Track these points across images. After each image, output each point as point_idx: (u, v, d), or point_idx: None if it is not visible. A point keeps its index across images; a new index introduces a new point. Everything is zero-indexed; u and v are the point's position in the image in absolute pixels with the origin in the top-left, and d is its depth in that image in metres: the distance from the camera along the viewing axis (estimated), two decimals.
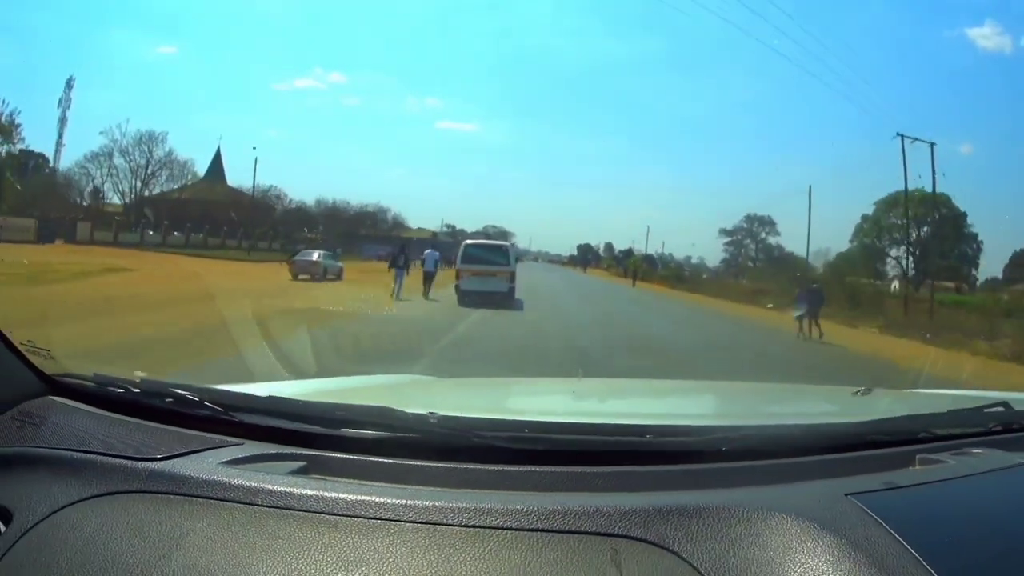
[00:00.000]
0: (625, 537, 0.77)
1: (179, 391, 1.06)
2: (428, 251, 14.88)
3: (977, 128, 49.89)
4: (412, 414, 1.01)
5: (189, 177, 41.65)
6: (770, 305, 19.30)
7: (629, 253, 69.97)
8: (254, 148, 57.18)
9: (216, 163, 46.64)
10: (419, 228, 64.84)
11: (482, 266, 14.94)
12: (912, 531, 0.78)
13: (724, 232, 62.36)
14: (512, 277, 14.91)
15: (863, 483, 0.90)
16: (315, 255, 19.80)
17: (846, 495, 0.85)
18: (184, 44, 70.81)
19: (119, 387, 1.11)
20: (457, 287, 14.24)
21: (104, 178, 40.90)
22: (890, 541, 0.76)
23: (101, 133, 38.51)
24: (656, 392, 2.01)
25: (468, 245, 15.82)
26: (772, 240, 61.20)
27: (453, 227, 65.25)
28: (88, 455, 0.92)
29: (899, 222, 47.06)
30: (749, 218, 61.84)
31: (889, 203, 48.24)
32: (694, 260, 60.11)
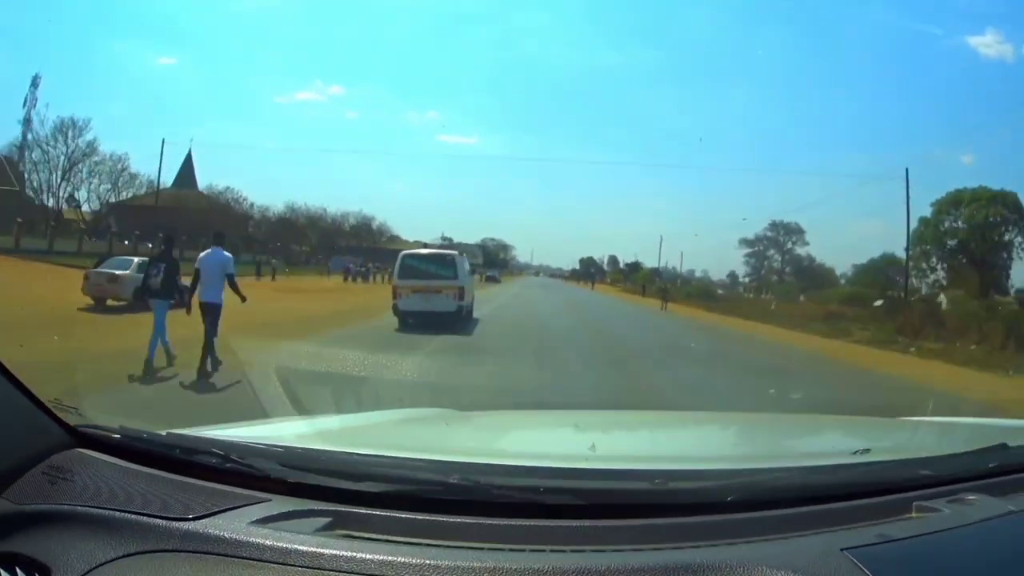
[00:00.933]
0: None
1: (204, 447, 1.14)
2: (205, 253, 7.32)
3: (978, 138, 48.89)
4: (429, 463, 1.12)
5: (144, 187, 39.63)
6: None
7: (636, 267, 68.90)
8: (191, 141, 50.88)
9: (187, 168, 44.06)
10: (414, 240, 65.01)
11: (424, 281, 12.33)
12: None
13: (745, 243, 56.31)
14: (461, 294, 12.48)
15: (858, 536, 0.98)
16: (127, 266, 13.01)
17: (842, 550, 0.91)
18: (184, 55, 69.25)
19: (145, 441, 1.19)
20: (395, 307, 11.81)
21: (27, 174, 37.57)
22: None
23: (19, 122, 37.05)
24: (660, 426, 2.11)
25: (406, 256, 13.24)
26: (800, 250, 54.13)
27: (450, 240, 63.92)
28: (123, 514, 0.99)
29: (958, 225, 39.86)
30: (775, 226, 55.00)
31: (948, 203, 39.79)
32: (698, 274, 59.70)
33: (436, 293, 11.98)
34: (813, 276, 52.82)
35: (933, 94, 56.59)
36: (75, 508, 1.03)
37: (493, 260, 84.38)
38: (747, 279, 56.24)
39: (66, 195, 37.02)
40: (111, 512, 1.00)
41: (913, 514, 1.08)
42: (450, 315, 11.79)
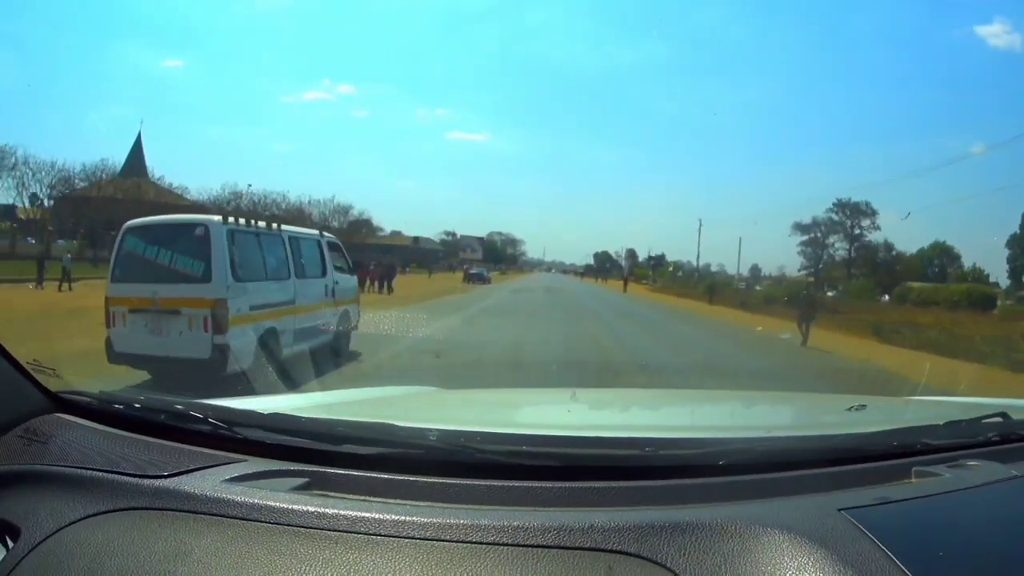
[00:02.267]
0: (620, 553, 0.86)
1: (182, 408, 1.20)
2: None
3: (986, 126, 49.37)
4: (411, 429, 1.16)
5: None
6: None
7: (661, 260, 65.27)
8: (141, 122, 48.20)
9: (136, 155, 40.15)
10: (394, 232, 61.53)
11: (150, 286, 6.05)
12: (904, 547, 0.85)
13: (798, 228, 45.88)
14: (221, 320, 5.85)
15: (857, 497, 1.00)
16: None
17: (839, 510, 0.93)
18: (190, 57, 70.29)
19: (123, 404, 1.25)
20: (107, 341, 6.10)
21: None
22: (881, 557, 0.83)
23: None
24: (654, 403, 2.18)
25: (130, 231, 6.40)
26: (871, 236, 43.85)
27: (454, 233, 66.23)
28: (94, 472, 1.04)
29: None
30: (840, 205, 43.93)
31: None
32: (713, 268, 54.93)
33: (169, 316, 5.81)
34: (889, 268, 41.82)
35: (942, 83, 56.24)
36: (46, 468, 1.08)
37: (498, 255, 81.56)
38: (803, 272, 46.23)
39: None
40: (83, 471, 1.05)
41: (912, 479, 1.13)
42: (198, 366, 5.64)
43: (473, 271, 41.84)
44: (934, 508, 0.99)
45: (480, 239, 75.87)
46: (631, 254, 72.41)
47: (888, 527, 0.88)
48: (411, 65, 77.25)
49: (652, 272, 61.85)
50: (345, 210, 56.90)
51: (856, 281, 39.47)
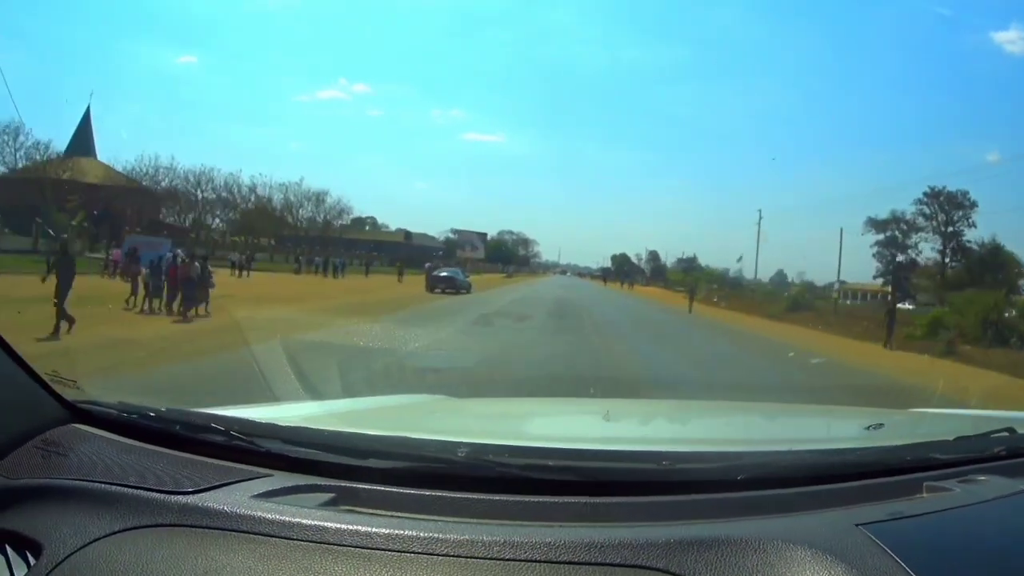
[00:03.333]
0: (649, 568, 1.02)
1: (203, 421, 1.35)
2: None
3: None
4: (437, 442, 1.35)
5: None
6: None
7: (693, 262, 67.81)
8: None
9: (83, 131, 42.80)
10: (398, 230, 70.65)
11: None
12: (920, 561, 1.01)
13: (872, 224, 44.58)
14: None
15: (872, 512, 1.19)
16: None
17: (856, 525, 1.11)
18: (204, 54, 78.98)
19: (143, 415, 1.39)
20: None
21: None
22: (898, 571, 1.00)
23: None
24: (674, 415, 2.59)
25: None
26: (970, 233, 42.72)
27: (460, 231, 72.10)
28: (118, 487, 1.17)
29: None
30: (934, 195, 42.93)
31: None
32: (732, 273, 58.16)
33: None
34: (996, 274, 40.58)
35: (955, 89, 64.59)
36: (68, 482, 1.20)
37: (507, 255, 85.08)
38: (879, 280, 45.20)
39: None
40: (106, 486, 1.18)
41: (924, 494, 1.33)
42: None
43: (442, 273, 32.38)
44: (948, 523, 1.20)
45: (481, 235, 79.63)
46: (654, 256, 76.18)
47: (905, 542, 1.06)
48: (427, 65, 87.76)
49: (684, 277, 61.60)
50: (318, 196, 59.82)
51: (967, 293, 34.59)
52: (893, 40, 67.45)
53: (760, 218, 49.96)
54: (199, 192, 48.34)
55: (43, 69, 58.52)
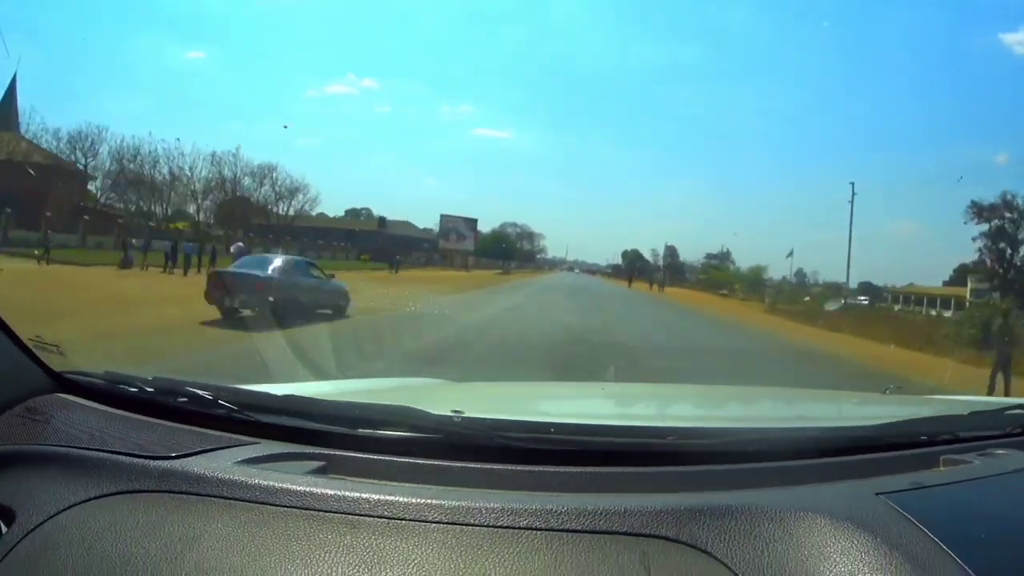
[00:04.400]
0: (657, 537, 1.12)
1: (193, 389, 1.50)
2: None
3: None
4: (434, 414, 1.46)
5: None
6: None
7: (726, 258, 71.00)
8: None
9: (7, 102, 44.65)
10: (400, 222, 75.31)
11: None
12: (944, 529, 1.14)
13: (977, 210, 42.40)
14: None
15: (891, 483, 1.33)
16: None
17: (876, 494, 1.25)
18: (213, 49, 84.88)
19: (131, 385, 1.55)
20: None
21: None
22: (923, 539, 1.12)
23: None
24: (681, 396, 2.96)
25: None
26: None
27: (445, 216, 76.30)
28: (98, 453, 1.30)
29: None
30: None
31: None
32: (772, 274, 59.55)
33: None
34: None
35: (965, 92, 74.89)
36: (47, 448, 1.35)
37: (509, 249, 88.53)
38: (982, 286, 42.72)
39: None
40: (86, 452, 1.32)
41: (942, 467, 1.51)
42: None
43: (240, 270, 17.31)
44: (969, 493, 1.38)
45: (470, 221, 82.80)
46: (671, 252, 79.25)
47: (928, 511, 1.20)
48: (436, 61, 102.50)
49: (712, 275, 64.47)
50: (264, 171, 60.99)
51: None
52: (903, 41, 79.77)
53: (853, 197, 45.40)
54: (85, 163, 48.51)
55: (52, 63, 69.13)
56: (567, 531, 1.12)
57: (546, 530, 1.13)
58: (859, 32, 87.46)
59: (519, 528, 1.13)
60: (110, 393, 1.55)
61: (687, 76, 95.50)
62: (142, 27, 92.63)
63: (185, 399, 1.49)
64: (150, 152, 52.13)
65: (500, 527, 1.13)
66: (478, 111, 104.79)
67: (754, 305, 48.84)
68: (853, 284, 53.38)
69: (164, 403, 1.50)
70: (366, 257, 50.99)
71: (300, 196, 67.00)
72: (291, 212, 67.62)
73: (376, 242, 79.74)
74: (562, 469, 1.32)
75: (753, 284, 58.25)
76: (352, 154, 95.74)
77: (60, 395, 1.54)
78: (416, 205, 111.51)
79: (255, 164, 61.12)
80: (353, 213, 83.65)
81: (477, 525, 1.14)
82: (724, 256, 70.89)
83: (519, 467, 1.32)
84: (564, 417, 1.72)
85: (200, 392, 1.48)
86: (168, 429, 1.42)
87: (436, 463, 1.32)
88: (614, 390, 3.05)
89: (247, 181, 61.42)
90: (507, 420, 1.50)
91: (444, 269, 72.61)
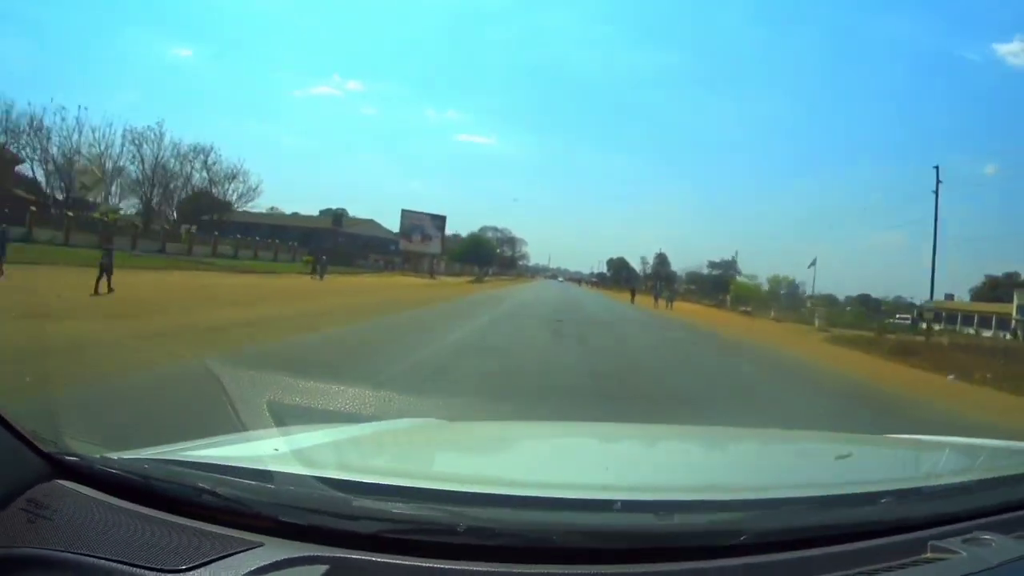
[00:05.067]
0: None
1: (189, 480, 1.57)
2: None
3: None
4: (432, 498, 1.53)
5: None
6: None
7: (731, 267, 70.67)
8: None
9: None
10: (368, 219, 74.07)
11: None
12: None
13: None
14: None
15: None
16: None
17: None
18: (200, 47, 69.76)
19: (126, 471, 1.62)
20: None
21: None
22: None
23: None
24: (672, 444, 3.06)
25: None
26: None
27: (407, 212, 72.49)
28: (108, 563, 1.35)
29: None
30: None
31: None
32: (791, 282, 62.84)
33: None
34: None
35: (956, 102, 56.26)
36: (55, 554, 1.39)
37: (487, 254, 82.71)
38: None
39: None
40: (93, 560, 1.36)
41: (928, 554, 1.58)
42: None
43: None
44: None
45: (437, 218, 77.79)
46: (662, 259, 76.44)
47: None
48: (421, 64, 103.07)
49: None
50: (195, 153, 58.61)
51: None
52: (895, 51, 75.21)
53: (937, 185, 42.41)
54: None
55: (39, 56, 74.91)
56: None
57: None
58: (847, 40, 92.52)
59: None
60: (106, 479, 1.62)
61: (673, 82, 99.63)
62: (130, 22, 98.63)
63: (182, 490, 1.56)
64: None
65: None
66: (463, 117, 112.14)
67: (797, 328, 41.76)
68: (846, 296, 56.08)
69: (163, 492, 1.57)
70: (309, 258, 45.85)
71: (239, 183, 63.25)
72: (227, 198, 63.89)
73: (332, 241, 75.20)
74: (567, 570, 1.41)
75: (786, 300, 49.31)
76: (334, 155, 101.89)
77: (59, 482, 1.61)
78: (396, 208, 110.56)
79: (185, 145, 58.91)
80: (328, 213, 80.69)
81: None
82: (729, 265, 68.73)
83: (525, 568, 1.39)
84: (567, 490, 1.73)
85: (197, 484, 1.56)
86: (169, 525, 1.47)
87: (441, 566, 1.37)
88: (602, 433, 3.25)
89: (173, 163, 58.49)
90: (508, 497, 1.57)
91: (404, 274, 64.46)
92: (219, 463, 1.63)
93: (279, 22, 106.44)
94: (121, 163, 55.18)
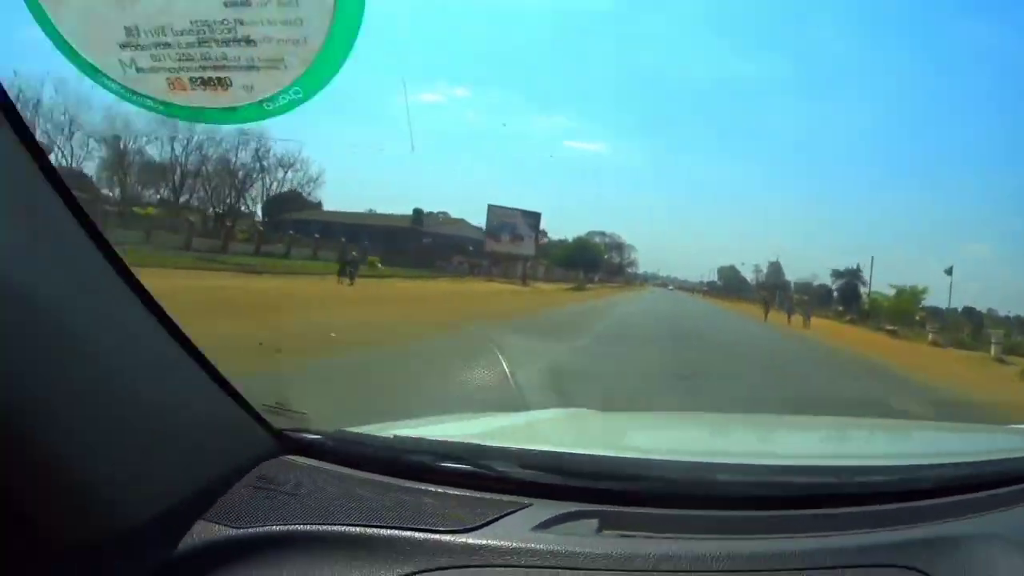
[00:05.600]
0: (904, 568, 1.33)
1: (440, 449, 1.56)
2: None
3: None
4: (688, 463, 1.70)
5: None
6: None
7: (855, 275, 62.93)
8: None
9: None
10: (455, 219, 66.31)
11: None
12: None
13: None
14: None
15: None
16: None
17: None
18: None
19: (367, 446, 1.57)
20: None
21: None
22: None
23: None
24: (840, 430, 3.35)
25: None
26: None
27: (494, 208, 65.67)
28: (385, 531, 1.30)
29: None
30: None
31: None
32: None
33: None
34: None
35: None
36: (316, 527, 1.32)
37: (593, 260, 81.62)
38: None
39: None
40: (370, 530, 1.31)
41: None
42: None
43: None
44: None
45: (531, 215, 67.32)
46: (776, 268, 71.72)
47: None
48: (528, 71, 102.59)
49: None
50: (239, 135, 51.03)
51: None
52: (989, 60, 78.15)
53: None
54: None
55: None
56: (842, 567, 1.32)
57: (826, 568, 1.32)
58: (949, 51, 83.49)
59: (801, 569, 1.31)
60: (338, 453, 1.55)
61: (781, 90, 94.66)
62: None
63: (438, 459, 1.53)
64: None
65: (778, 570, 1.31)
66: (571, 123, 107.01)
67: (970, 357, 27.45)
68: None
69: (408, 463, 1.53)
70: (343, 264, 38.08)
71: (293, 172, 57.38)
72: (276, 189, 57.94)
73: (413, 242, 65.10)
74: (784, 513, 1.54)
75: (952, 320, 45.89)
76: (436, 160, 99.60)
77: (291, 458, 1.52)
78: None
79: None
80: (421, 214, 74.15)
81: (763, 571, 1.31)
82: (854, 273, 62.33)
83: (745, 513, 1.51)
84: (763, 458, 2.11)
85: (456, 452, 1.54)
86: (426, 492, 1.44)
87: (688, 513, 1.47)
88: (737, 422, 3.45)
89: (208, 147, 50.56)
90: (725, 464, 1.76)
91: (490, 280, 54.33)
92: (464, 441, 1.64)
93: (386, 31, 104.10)
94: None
